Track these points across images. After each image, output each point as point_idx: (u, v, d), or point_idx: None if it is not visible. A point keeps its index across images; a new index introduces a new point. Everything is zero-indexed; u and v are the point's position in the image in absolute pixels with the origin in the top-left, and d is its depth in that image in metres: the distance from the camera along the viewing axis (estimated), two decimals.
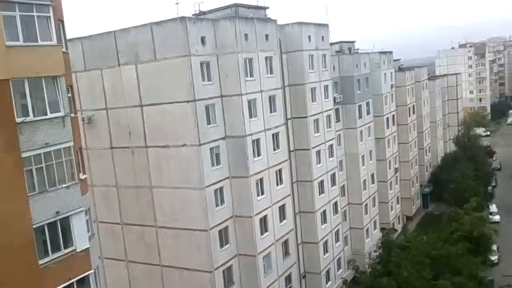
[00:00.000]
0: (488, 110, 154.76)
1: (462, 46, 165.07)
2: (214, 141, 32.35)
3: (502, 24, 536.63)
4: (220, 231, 32.99)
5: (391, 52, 64.41)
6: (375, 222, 56.93)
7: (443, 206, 66.68)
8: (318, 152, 43.15)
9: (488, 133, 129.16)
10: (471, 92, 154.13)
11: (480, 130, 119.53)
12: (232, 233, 34.04)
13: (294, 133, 41.67)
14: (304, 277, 43.27)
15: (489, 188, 77.82)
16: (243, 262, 34.56)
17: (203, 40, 31.30)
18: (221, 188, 33.03)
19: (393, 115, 63.99)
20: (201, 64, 31.21)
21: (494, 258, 53.41)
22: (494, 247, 54.75)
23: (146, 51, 31.59)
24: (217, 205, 32.68)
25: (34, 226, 18.21)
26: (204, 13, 35.54)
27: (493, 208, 69.95)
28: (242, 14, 34.75)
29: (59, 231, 19.16)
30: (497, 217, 66.81)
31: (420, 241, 47.55)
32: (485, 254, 51.34)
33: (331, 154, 45.76)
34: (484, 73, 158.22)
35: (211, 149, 32.09)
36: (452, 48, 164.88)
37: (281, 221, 37.33)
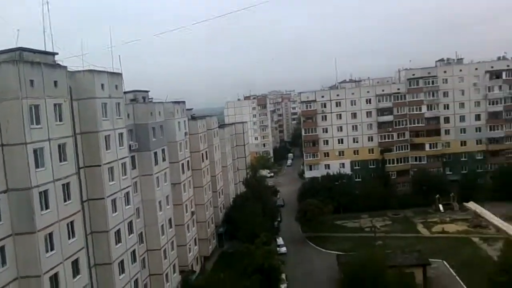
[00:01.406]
0: (271, 154, 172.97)
1: (247, 98, 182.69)
2: None
3: (280, 79, 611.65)
4: None
5: (184, 102, 67.66)
6: (174, 266, 57.49)
7: (237, 244, 70.67)
8: (114, 201, 42.20)
9: (272, 174, 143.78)
10: (256, 138, 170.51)
11: (265, 172, 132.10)
12: None
13: (88, 182, 40.02)
14: None
15: (275, 223, 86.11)
16: None
17: None
18: (2, 248, 29.58)
19: (188, 161, 66.70)
20: None
21: (283, 286, 58.93)
22: (283, 276, 60.54)
23: None
24: None
25: None
26: None
27: (280, 241, 77.59)
28: (27, 59, 32.80)
29: None
30: (283, 249, 74.25)
31: (218, 279, 49.76)
32: (275, 284, 56.30)
33: (127, 202, 45.17)
34: (267, 122, 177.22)
35: None
36: (239, 99, 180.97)
37: (74, 276, 35.01)
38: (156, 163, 53.83)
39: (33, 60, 32.91)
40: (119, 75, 45.07)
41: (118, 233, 42.52)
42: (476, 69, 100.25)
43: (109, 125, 41.87)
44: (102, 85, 41.16)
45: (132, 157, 49.12)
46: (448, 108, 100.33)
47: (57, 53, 36.56)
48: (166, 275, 54.53)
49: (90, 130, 39.85)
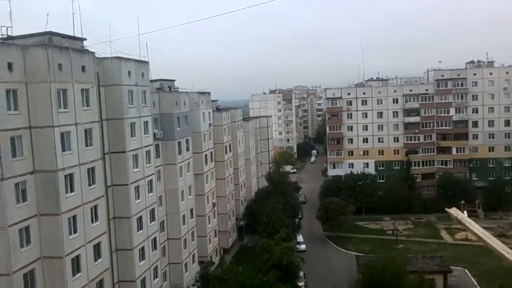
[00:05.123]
0: (295, 149, 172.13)
1: (272, 92, 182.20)
2: (21, 175, 29.69)
3: (306, 73, 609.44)
4: (25, 275, 29.91)
5: (209, 93, 67.81)
6: (193, 256, 57.87)
7: (257, 238, 70.61)
8: (137, 188, 42.62)
9: (295, 170, 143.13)
10: (280, 133, 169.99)
11: (288, 168, 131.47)
12: (40, 276, 31.15)
13: (112, 168, 40.52)
14: None
15: (296, 220, 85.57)
16: None
17: (10, 66, 29.03)
18: (27, 227, 30.21)
19: (211, 152, 66.91)
20: (7, 92, 28.78)
21: (301, 284, 58.43)
22: (301, 273, 60.17)
23: None
24: (22, 246, 29.73)
25: None
26: (12, 38, 33.00)
27: (300, 238, 77.07)
28: (56, 43, 33.24)
29: None
30: (303, 246, 73.75)
31: (236, 272, 49.65)
32: (293, 281, 55.90)
33: (150, 190, 45.57)
34: (291, 117, 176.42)
35: (16, 184, 29.35)
36: (264, 93, 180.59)
37: (96, 260, 35.57)
38: (180, 152, 54.13)
39: (61, 44, 33.36)
40: (145, 63, 45.38)
41: (140, 220, 42.95)
42: (507, 73, 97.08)
43: (134, 113, 42.22)
44: (129, 73, 41.49)
45: (157, 146, 49.51)
46: (477, 112, 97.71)
47: (85, 39, 37.02)
48: (185, 264, 54.92)
49: (116, 117, 40.25)
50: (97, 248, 35.88)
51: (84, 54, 35.21)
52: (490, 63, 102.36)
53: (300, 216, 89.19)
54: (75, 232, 33.01)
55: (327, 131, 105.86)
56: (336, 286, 59.65)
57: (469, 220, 15.40)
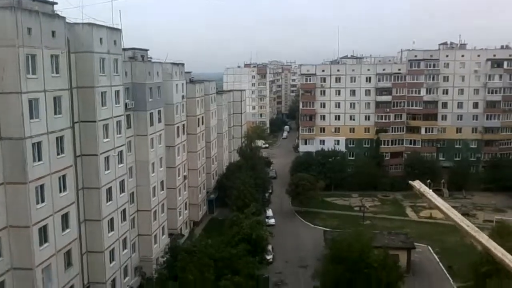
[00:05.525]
0: (268, 125, 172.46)
1: (247, 65, 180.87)
2: None
3: (281, 49, 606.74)
4: None
5: (183, 64, 66.74)
6: (163, 228, 57.85)
7: (227, 212, 70.90)
8: (107, 158, 42.00)
9: (267, 145, 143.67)
10: (253, 107, 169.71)
11: (260, 143, 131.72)
12: (6, 245, 30.63)
13: (82, 137, 39.72)
14: (88, 287, 41.34)
15: (267, 194, 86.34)
16: (18, 276, 31.34)
17: None
18: None
19: (184, 125, 66.29)
20: None
21: (269, 257, 59.53)
22: (270, 247, 61.11)
23: None
24: None
25: None
26: None
27: (269, 212, 78.00)
28: (26, 6, 31.88)
29: None
30: (272, 221, 74.76)
31: (205, 245, 49.92)
32: (261, 254, 56.77)
33: (120, 161, 45.01)
34: (265, 92, 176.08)
35: None
36: (239, 67, 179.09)
37: (63, 230, 35.16)
38: (152, 124, 53.42)
39: (31, 8, 32.04)
40: (118, 30, 44.13)
41: (109, 191, 42.49)
42: (479, 55, 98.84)
43: (106, 81, 41.26)
44: (101, 40, 40.33)
45: (128, 116, 48.69)
46: (447, 93, 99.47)
47: (56, 3, 35.82)
48: (155, 236, 54.91)
49: (86, 85, 39.30)
50: (65, 218, 35.40)
51: (55, 18, 33.96)
52: (463, 45, 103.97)
53: (270, 191, 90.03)
54: (42, 201, 32.42)
55: (300, 107, 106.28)
56: (304, 260, 60.88)
57: (431, 192, 15.89)
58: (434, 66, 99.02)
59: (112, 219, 43.19)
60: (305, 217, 78.69)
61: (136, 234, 52.30)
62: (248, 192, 69.23)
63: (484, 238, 14.10)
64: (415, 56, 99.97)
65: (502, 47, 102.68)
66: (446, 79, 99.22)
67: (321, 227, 72.58)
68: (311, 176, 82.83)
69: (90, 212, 40.93)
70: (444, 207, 14.17)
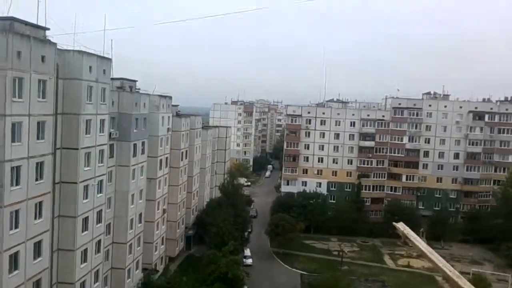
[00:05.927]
0: (251, 163, 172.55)
1: (234, 102, 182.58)
2: None
3: (269, 87, 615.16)
4: None
5: (170, 97, 66.97)
6: (137, 262, 56.38)
7: (205, 249, 69.83)
8: (86, 187, 41.23)
9: (249, 183, 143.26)
10: (238, 145, 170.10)
11: (243, 180, 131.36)
12: None
13: (62, 164, 39.03)
14: None
15: (246, 233, 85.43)
16: None
17: None
18: None
19: (167, 157, 65.88)
20: None
21: None
22: None
23: None
24: None
25: None
26: None
27: (247, 252, 76.90)
28: (18, 30, 31.97)
29: None
30: (250, 261, 73.62)
31: (179, 282, 48.91)
32: None
33: (100, 190, 44.20)
34: (251, 130, 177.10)
35: None
36: (226, 103, 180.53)
37: (35, 258, 34.03)
38: (135, 155, 52.96)
39: (23, 32, 32.11)
40: (108, 60, 44.30)
41: (85, 220, 41.49)
42: (461, 107, 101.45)
43: (92, 109, 41.03)
44: (90, 68, 40.36)
45: (111, 146, 48.23)
46: (429, 142, 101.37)
47: (48, 29, 35.92)
48: (129, 270, 53.41)
49: (72, 112, 38.98)
50: (37, 246, 34.31)
51: (46, 44, 34.00)
52: (446, 96, 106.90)
53: (249, 230, 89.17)
54: (16, 227, 31.44)
55: (285, 147, 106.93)
56: None
57: (414, 234, 15.94)
58: (417, 114, 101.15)
59: (85, 250, 41.94)
60: (283, 259, 77.70)
61: (110, 267, 50.81)
62: (227, 230, 68.38)
63: (466, 285, 14.07)
64: (399, 104, 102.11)
65: (484, 100, 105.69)
66: (428, 128, 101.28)
67: (298, 270, 71.70)
68: (292, 218, 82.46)
69: (64, 241, 39.74)
70: (428, 250, 14.20)
